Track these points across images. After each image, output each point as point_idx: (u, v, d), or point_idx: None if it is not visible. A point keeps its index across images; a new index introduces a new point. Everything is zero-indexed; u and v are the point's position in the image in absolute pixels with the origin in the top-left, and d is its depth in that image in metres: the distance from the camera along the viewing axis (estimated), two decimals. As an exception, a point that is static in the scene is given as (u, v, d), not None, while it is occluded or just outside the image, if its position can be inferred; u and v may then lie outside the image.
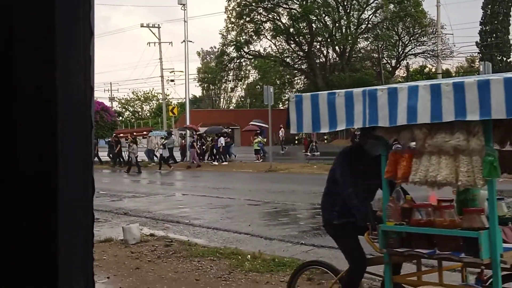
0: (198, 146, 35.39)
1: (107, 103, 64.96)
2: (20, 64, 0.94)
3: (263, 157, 35.51)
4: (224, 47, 58.40)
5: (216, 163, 34.37)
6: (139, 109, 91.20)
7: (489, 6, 57.19)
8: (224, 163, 34.15)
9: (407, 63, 52.83)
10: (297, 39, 56.81)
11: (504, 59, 58.44)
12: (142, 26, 59.64)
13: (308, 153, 37.96)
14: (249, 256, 9.31)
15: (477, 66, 49.83)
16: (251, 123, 41.98)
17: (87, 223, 0.98)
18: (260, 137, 36.85)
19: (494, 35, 57.14)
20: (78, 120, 0.97)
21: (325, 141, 49.70)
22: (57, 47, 0.94)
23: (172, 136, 38.25)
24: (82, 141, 0.97)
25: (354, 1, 54.43)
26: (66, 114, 0.94)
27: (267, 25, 57.46)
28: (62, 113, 0.93)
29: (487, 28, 57.13)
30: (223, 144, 34.85)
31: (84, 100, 0.97)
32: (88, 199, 0.98)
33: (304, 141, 40.91)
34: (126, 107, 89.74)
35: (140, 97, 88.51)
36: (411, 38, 54.67)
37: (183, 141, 39.20)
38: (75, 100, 0.96)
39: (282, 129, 41.51)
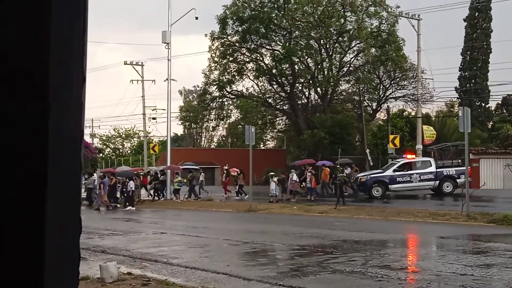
0: (119, 188, 35.04)
1: (88, 139, 64.86)
2: (13, 105, 0.97)
3: (188, 197, 36.18)
4: (207, 86, 58.56)
5: (128, 208, 32.72)
6: (120, 146, 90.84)
7: (468, 53, 58.44)
8: (132, 208, 32.63)
9: (388, 106, 53.29)
10: (279, 80, 57.25)
11: (483, 104, 59.51)
12: (125, 63, 59.83)
13: (237, 196, 36.27)
14: (227, 296, 9.25)
15: (456, 111, 50.48)
16: (183, 166, 42.15)
17: (73, 262, 1.01)
18: (179, 177, 36.99)
19: (473, 81, 58.29)
20: (68, 161, 1.00)
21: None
22: (50, 91, 0.97)
23: (93, 176, 37.26)
24: (71, 180, 1.01)
25: (337, 44, 55.15)
26: (56, 155, 0.98)
27: (250, 65, 57.89)
28: (53, 152, 0.97)
29: (466, 74, 58.26)
30: (133, 189, 33.85)
31: (75, 142, 1.01)
32: (75, 237, 1.01)
33: (225, 183, 38.75)
34: (107, 144, 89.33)
35: (121, 134, 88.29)
36: (392, 82, 55.27)
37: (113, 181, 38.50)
38: (66, 142, 1.00)
39: (202, 173, 40.70)
